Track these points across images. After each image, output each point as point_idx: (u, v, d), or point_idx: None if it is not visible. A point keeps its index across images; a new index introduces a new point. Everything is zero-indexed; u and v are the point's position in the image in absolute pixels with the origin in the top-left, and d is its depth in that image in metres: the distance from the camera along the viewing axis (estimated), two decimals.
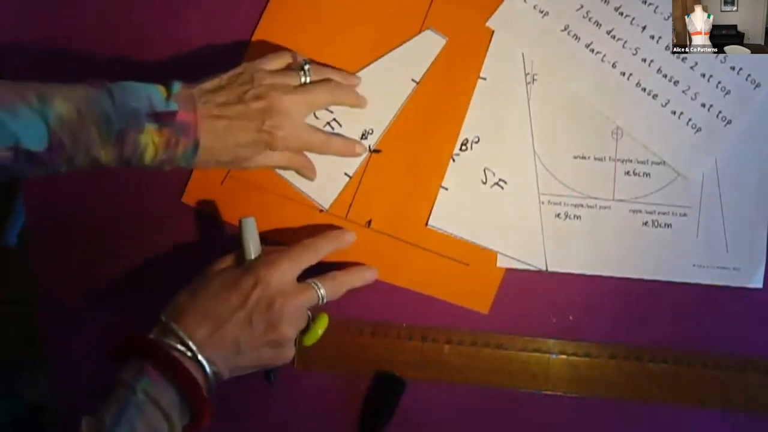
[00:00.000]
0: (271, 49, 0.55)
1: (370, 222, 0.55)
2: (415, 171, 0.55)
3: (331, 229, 0.55)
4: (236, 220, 0.52)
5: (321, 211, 0.55)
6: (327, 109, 0.55)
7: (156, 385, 0.43)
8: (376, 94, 0.55)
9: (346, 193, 0.56)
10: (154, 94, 0.47)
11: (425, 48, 0.56)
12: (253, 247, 0.50)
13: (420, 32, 0.56)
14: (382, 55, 0.56)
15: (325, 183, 0.55)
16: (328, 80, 0.53)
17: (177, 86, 0.48)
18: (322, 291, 0.50)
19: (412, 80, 0.56)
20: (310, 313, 0.51)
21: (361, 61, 0.56)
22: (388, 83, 0.56)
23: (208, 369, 0.45)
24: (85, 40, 0.58)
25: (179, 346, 0.44)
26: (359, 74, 0.56)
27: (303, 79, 0.52)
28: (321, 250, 0.51)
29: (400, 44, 0.56)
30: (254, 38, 0.57)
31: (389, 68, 0.56)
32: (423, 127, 0.56)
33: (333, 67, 0.55)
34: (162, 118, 0.46)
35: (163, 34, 0.58)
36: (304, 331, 0.51)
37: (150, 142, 0.46)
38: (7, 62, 0.58)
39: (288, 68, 0.53)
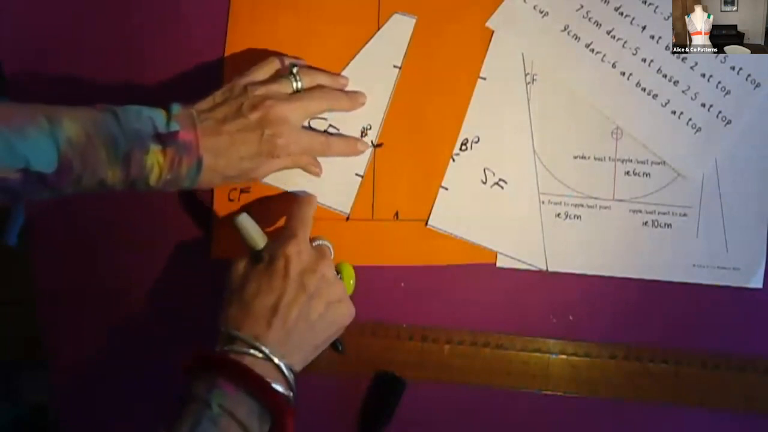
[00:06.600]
0: (247, 61, 0.55)
1: (397, 214, 0.55)
2: (421, 156, 0.56)
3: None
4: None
5: (347, 219, 0.56)
6: (321, 117, 0.55)
7: (231, 397, 0.42)
8: (363, 88, 0.56)
9: (365, 194, 0.56)
10: (156, 116, 0.47)
11: (398, 32, 0.56)
12: (258, 237, 0.49)
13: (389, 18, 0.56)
14: (358, 50, 0.56)
15: (340, 188, 0.56)
16: (320, 86, 0.53)
17: (176, 108, 0.49)
18: (326, 241, 0.52)
19: (394, 66, 0.56)
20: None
21: (339, 61, 0.56)
22: (372, 75, 0.56)
23: (283, 366, 0.44)
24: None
25: (250, 351, 0.44)
26: (343, 73, 0.56)
27: (295, 85, 0.52)
28: (309, 213, 0.51)
29: (372, 35, 0.56)
30: (227, 60, 0.57)
31: (368, 60, 0.56)
32: (421, 116, 0.56)
33: (321, 70, 0.55)
34: (165, 139, 0.47)
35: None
36: None
37: (155, 162, 0.47)
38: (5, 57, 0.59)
39: (277, 75, 0.53)
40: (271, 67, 0.53)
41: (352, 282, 0.52)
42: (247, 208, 0.56)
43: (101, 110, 0.46)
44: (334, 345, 0.51)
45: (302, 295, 0.46)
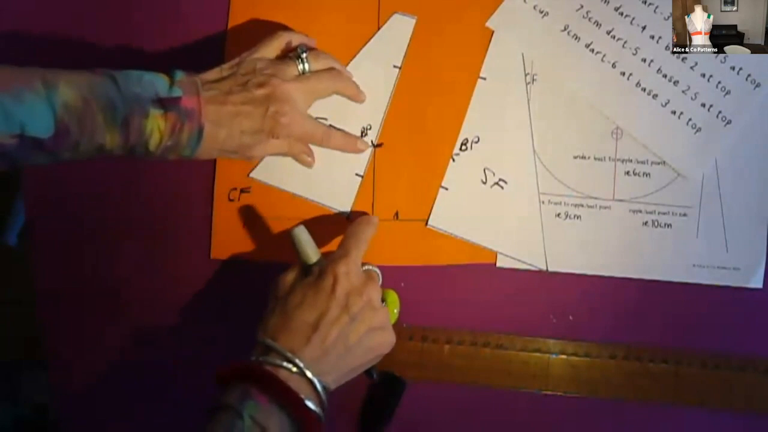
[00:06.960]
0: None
1: (397, 214, 0.55)
2: (421, 156, 0.56)
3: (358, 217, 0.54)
4: (270, 256, 0.53)
5: (348, 218, 0.55)
6: (321, 117, 0.55)
7: (264, 409, 0.41)
8: (363, 88, 0.56)
9: (365, 194, 0.56)
10: (158, 81, 0.47)
11: (398, 32, 0.56)
12: (311, 252, 0.49)
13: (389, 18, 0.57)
14: (358, 50, 0.56)
15: (340, 188, 0.56)
16: (330, 69, 0.53)
17: (180, 74, 0.48)
18: (375, 267, 0.50)
19: (394, 66, 0.56)
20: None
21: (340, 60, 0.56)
22: (372, 75, 0.56)
23: (316, 382, 0.43)
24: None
25: (284, 364, 0.43)
26: None
27: (301, 68, 0.52)
28: (366, 234, 0.50)
29: (372, 35, 0.56)
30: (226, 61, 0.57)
31: (369, 60, 0.56)
32: (421, 116, 0.56)
33: (330, 56, 0.55)
34: (166, 104, 0.46)
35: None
36: None
37: (155, 127, 0.46)
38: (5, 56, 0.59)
39: (286, 57, 0.53)
40: (279, 42, 0.53)
41: (396, 311, 0.52)
42: (305, 222, 0.54)
43: (100, 74, 0.46)
44: (368, 371, 0.50)
45: (345, 316, 0.45)
